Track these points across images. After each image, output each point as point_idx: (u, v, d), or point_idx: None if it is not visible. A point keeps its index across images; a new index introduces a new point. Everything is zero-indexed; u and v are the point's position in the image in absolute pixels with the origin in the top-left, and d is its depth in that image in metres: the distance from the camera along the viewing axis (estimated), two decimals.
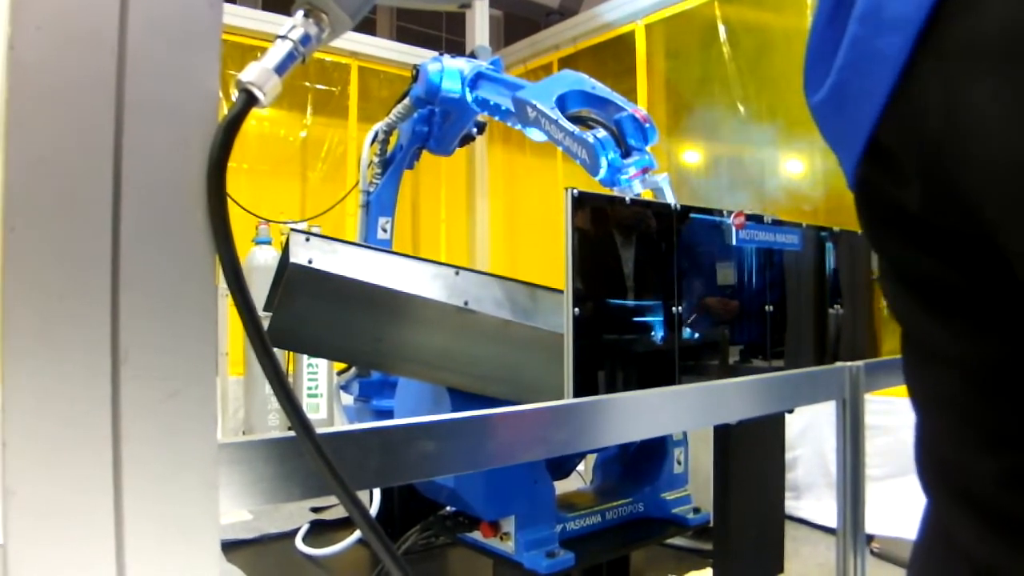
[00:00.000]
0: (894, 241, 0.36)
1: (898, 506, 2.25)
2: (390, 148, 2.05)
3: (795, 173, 2.93)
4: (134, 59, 0.42)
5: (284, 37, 0.47)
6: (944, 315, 0.34)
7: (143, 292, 0.42)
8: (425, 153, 2.10)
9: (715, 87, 3.03)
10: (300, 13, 0.47)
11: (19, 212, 0.39)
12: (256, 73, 0.45)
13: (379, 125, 1.99)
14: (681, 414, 0.82)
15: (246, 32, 3.31)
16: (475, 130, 2.00)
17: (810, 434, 2.62)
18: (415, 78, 1.78)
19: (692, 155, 3.27)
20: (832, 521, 2.45)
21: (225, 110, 0.45)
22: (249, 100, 0.44)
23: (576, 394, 0.90)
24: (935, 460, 0.37)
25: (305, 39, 0.47)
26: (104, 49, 0.42)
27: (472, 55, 1.82)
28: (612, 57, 3.48)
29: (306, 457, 0.48)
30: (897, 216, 0.34)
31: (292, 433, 0.49)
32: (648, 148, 1.24)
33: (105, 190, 0.41)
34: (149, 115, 0.43)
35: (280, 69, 0.46)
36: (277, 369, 0.45)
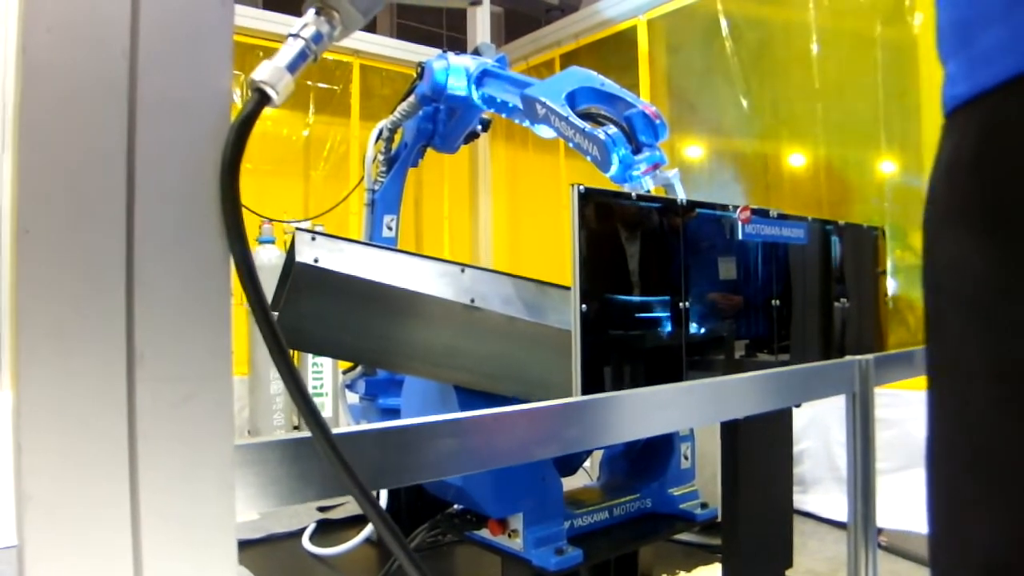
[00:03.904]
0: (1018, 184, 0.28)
1: (905, 499, 2.24)
2: (394, 146, 2.04)
3: (798, 166, 2.92)
4: (145, 59, 0.42)
5: (296, 35, 0.47)
6: None
7: (158, 293, 0.42)
8: (428, 150, 2.09)
9: (718, 81, 3.02)
10: (311, 11, 0.47)
11: (33, 214, 0.39)
12: (268, 72, 0.44)
13: (384, 123, 1.98)
14: (692, 410, 0.82)
15: (247, 31, 3.30)
16: (480, 127, 2.00)
17: (816, 428, 2.62)
18: (420, 76, 1.77)
19: (695, 149, 3.26)
20: (839, 515, 2.45)
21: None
22: (262, 99, 0.44)
23: (584, 391, 0.90)
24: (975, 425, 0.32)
25: (317, 37, 0.47)
26: (115, 50, 0.41)
27: (476, 52, 1.81)
28: (614, 52, 3.47)
29: (321, 458, 0.48)
30: None
31: (306, 434, 0.49)
32: (658, 144, 1.23)
33: (119, 191, 0.41)
34: (161, 115, 0.43)
35: (292, 68, 0.45)
36: (291, 369, 0.45)
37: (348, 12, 0.46)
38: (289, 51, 0.46)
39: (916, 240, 2.58)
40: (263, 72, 0.45)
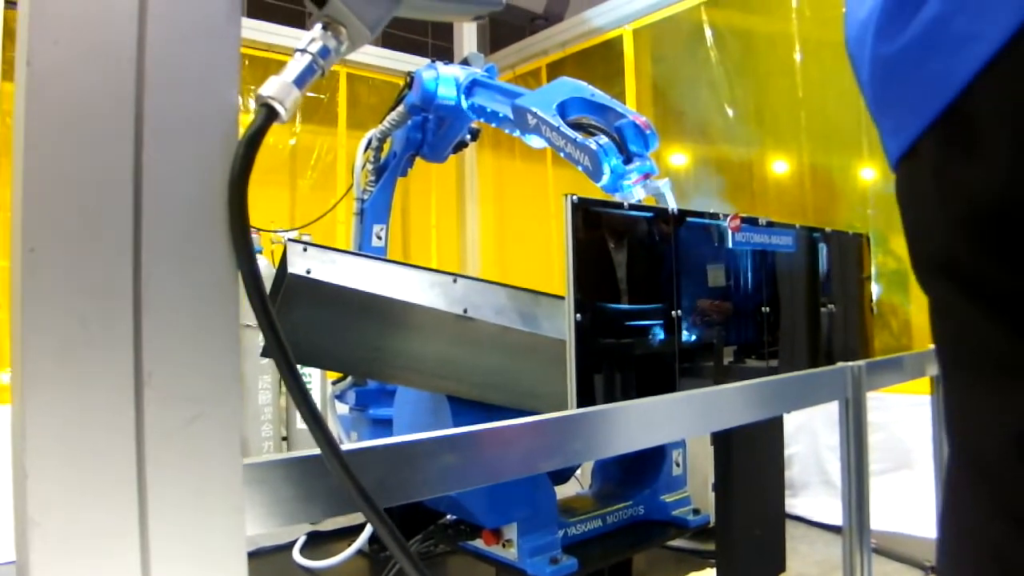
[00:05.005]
0: (956, 234, 0.30)
1: (893, 501, 2.27)
2: (383, 155, 2.04)
3: (783, 173, 2.96)
4: (153, 73, 0.42)
5: (303, 50, 0.47)
6: (1010, 327, 0.29)
7: (166, 312, 0.41)
8: (417, 159, 2.09)
9: (703, 90, 3.05)
10: (318, 26, 0.47)
11: (39, 232, 0.38)
12: (276, 87, 0.44)
13: (373, 132, 1.98)
14: (692, 420, 0.82)
15: None
16: (469, 137, 2.00)
17: (804, 432, 2.64)
18: (409, 85, 1.77)
19: (681, 158, 3.29)
20: (828, 518, 2.47)
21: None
22: (270, 114, 0.44)
23: (579, 400, 0.90)
24: (987, 475, 0.34)
25: (324, 52, 0.47)
26: (123, 63, 0.41)
27: (465, 62, 1.82)
28: (601, 62, 3.50)
29: (331, 476, 0.47)
30: (969, 202, 0.29)
31: (313, 451, 0.48)
32: (648, 154, 1.24)
33: (126, 208, 0.41)
34: (168, 130, 0.42)
35: (300, 82, 0.45)
36: (301, 386, 0.45)
37: (355, 27, 0.46)
38: (296, 66, 0.46)
39: (897, 245, 2.62)
40: (271, 87, 0.44)
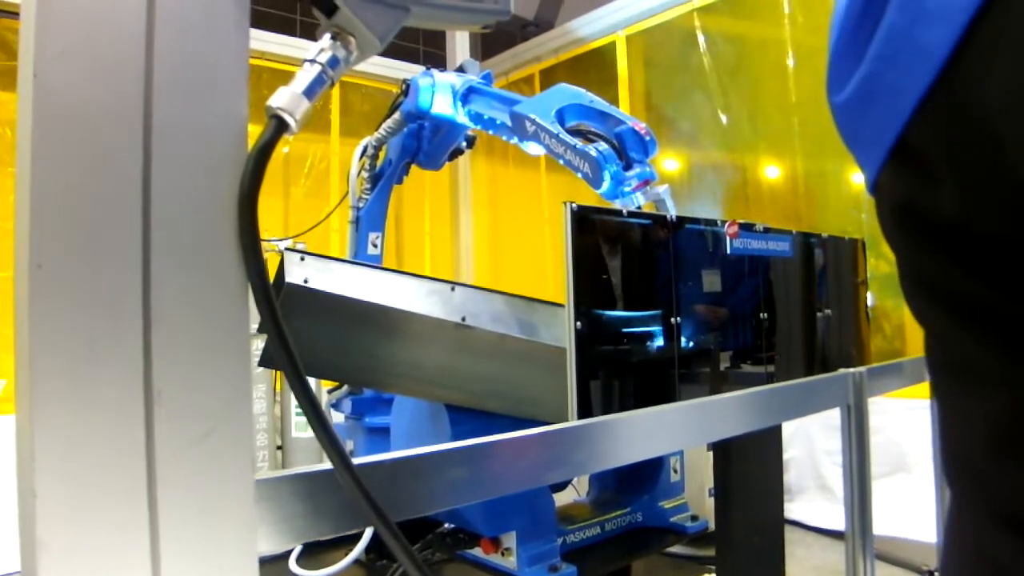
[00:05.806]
0: (925, 254, 0.33)
1: (890, 505, 2.28)
2: (378, 163, 2.03)
3: (776, 179, 2.97)
4: (160, 85, 0.41)
5: (312, 61, 0.46)
6: (986, 338, 0.31)
7: (175, 328, 0.41)
8: (412, 167, 2.08)
9: (696, 96, 3.07)
10: (327, 36, 0.46)
11: (46, 248, 0.38)
12: (286, 98, 0.44)
13: (368, 140, 1.97)
14: (696, 430, 0.82)
15: None
16: (465, 144, 2.00)
17: (800, 437, 2.65)
18: (404, 93, 1.77)
19: (674, 164, 3.31)
20: (825, 523, 2.48)
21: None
22: (280, 126, 0.43)
23: (579, 408, 0.89)
24: (974, 478, 0.35)
25: (333, 62, 0.46)
26: (130, 75, 0.40)
27: (460, 69, 1.81)
28: (593, 68, 3.51)
29: (340, 491, 0.46)
30: (929, 226, 0.32)
31: (325, 466, 0.47)
32: (648, 160, 1.25)
33: (135, 221, 0.40)
34: (177, 143, 0.41)
35: (309, 93, 0.44)
36: (312, 401, 0.44)
37: (365, 37, 0.46)
38: (306, 76, 0.45)
39: (888, 250, 2.63)
40: (281, 98, 0.44)
